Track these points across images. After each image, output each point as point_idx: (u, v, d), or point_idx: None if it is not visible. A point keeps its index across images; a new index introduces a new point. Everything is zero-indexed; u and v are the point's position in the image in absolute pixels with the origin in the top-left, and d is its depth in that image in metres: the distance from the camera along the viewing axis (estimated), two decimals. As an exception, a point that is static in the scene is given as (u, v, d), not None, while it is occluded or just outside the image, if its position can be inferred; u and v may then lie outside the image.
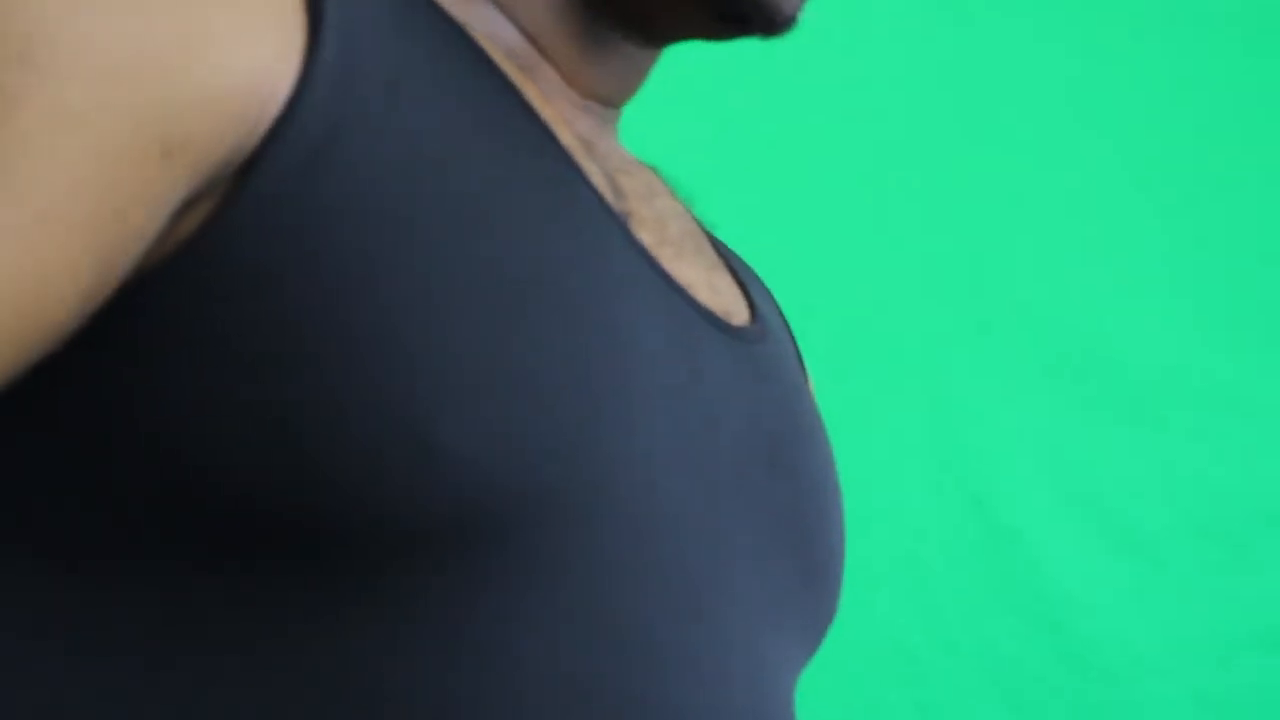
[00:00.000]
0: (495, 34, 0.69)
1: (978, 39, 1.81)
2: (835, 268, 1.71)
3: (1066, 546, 1.75)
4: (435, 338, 0.58)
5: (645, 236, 0.70)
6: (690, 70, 1.66)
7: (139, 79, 0.55)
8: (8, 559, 0.58)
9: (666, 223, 0.74)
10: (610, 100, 0.74)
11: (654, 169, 0.79)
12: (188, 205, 0.57)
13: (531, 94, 0.68)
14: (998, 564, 1.73)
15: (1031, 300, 1.78)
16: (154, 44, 0.55)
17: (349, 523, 0.57)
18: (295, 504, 0.56)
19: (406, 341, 0.57)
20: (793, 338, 0.88)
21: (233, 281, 0.56)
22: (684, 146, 1.62)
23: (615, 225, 0.67)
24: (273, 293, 0.56)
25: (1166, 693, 1.76)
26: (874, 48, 1.77)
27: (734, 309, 0.76)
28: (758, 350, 0.74)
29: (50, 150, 0.54)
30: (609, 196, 0.69)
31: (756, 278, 0.86)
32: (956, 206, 1.77)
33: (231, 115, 0.56)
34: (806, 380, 0.86)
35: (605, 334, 0.63)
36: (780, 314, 0.86)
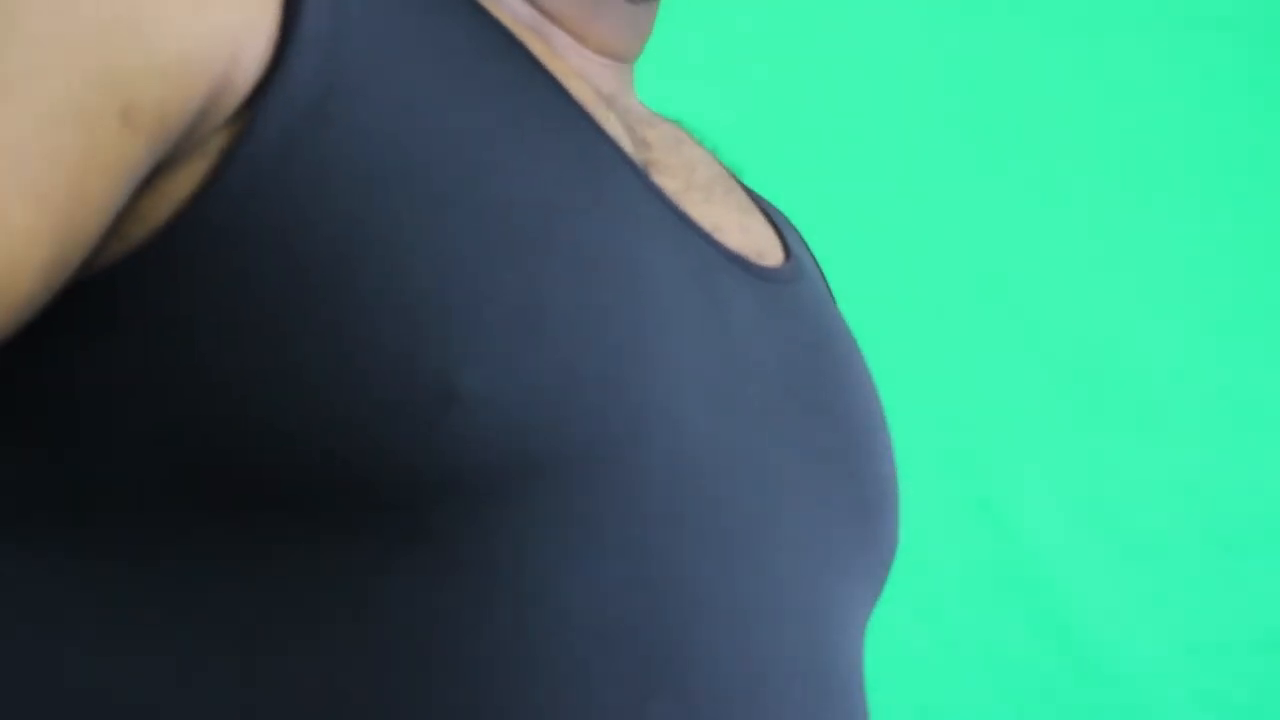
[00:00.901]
0: (499, 1, 0.69)
1: (989, 41, 1.81)
2: (842, 271, 1.71)
3: (1072, 550, 1.75)
4: (450, 284, 0.58)
5: (669, 183, 0.70)
6: (691, 70, 1.66)
7: (87, 42, 0.55)
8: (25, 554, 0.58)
9: (694, 168, 0.74)
10: (621, 55, 0.74)
11: (677, 122, 0.79)
12: (166, 173, 0.57)
13: (539, 51, 0.67)
14: (1003, 567, 1.73)
15: (1038, 305, 1.78)
16: (105, 8, 0.55)
17: (381, 476, 0.56)
18: (325, 462, 0.56)
19: (421, 289, 0.57)
20: (826, 281, 0.88)
21: (236, 245, 0.56)
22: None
23: (633, 172, 0.67)
24: (279, 252, 0.56)
25: (1171, 696, 1.76)
26: (882, 51, 1.77)
27: (767, 250, 0.76)
28: (790, 290, 0.74)
29: None
30: (628, 146, 0.69)
31: (790, 223, 0.86)
32: (965, 211, 1.77)
33: (195, 80, 0.56)
34: (842, 319, 0.84)
35: (623, 277, 0.63)
36: (813, 257, 0.86)
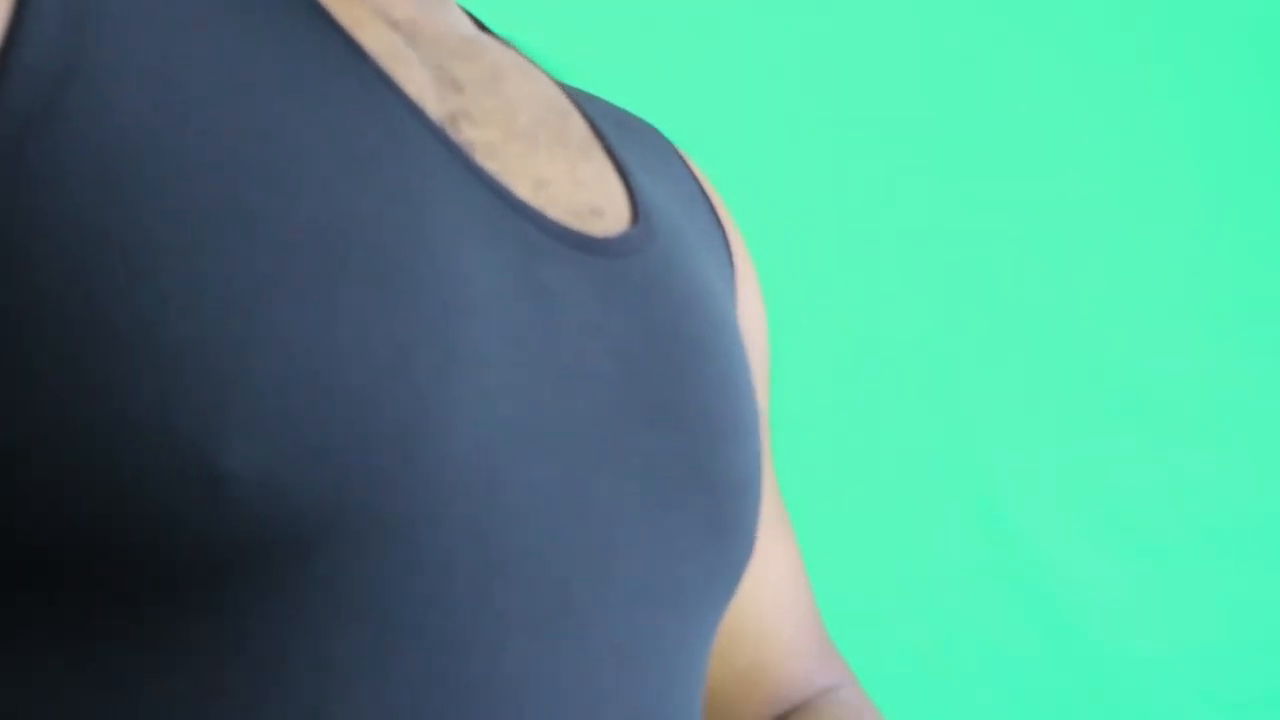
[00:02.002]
0: None
1: (988, 40, 1.81)
2: (843, 273, 1.71)
3: (1074, 551, 1.75)
4: (211, 330, 0.47)
5: (482, 135, 0.60)
6: (692, 70, 1.66)
7: None
8: None
9: (516, 111, 0.63)
10: None
11: (509, 43, 0.69)
12: None
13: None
14: (1005, 568, 1.73)
15: (1038, 306, 1.78)
16: None
17: (138, 554, 0.47)
18: (69, 537, 0.47)
19: (176, 335, 0.47)
20: (716, 212, 0.76)
21: None
22: (688, 146, 1.62)
23: (434, 144, 0.56)
24: (13, 278, 0.46)
25: (1171, 696, 1.76)
26: (879, 49, 1.76)
27: (607, 205, 0.65)
28: (632, 264, 0.63)
29: None
30: (430, 100, 0.59)
31: (661, 145, 0.75)
32: (966, 212, 1.77)
33: None
34: (716, 286, 0.71)
35: (426, 298, 0.52)
36: (697, 197, 0.74)
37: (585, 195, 0.64)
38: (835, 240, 1.72)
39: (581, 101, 0.71)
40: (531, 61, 0.70)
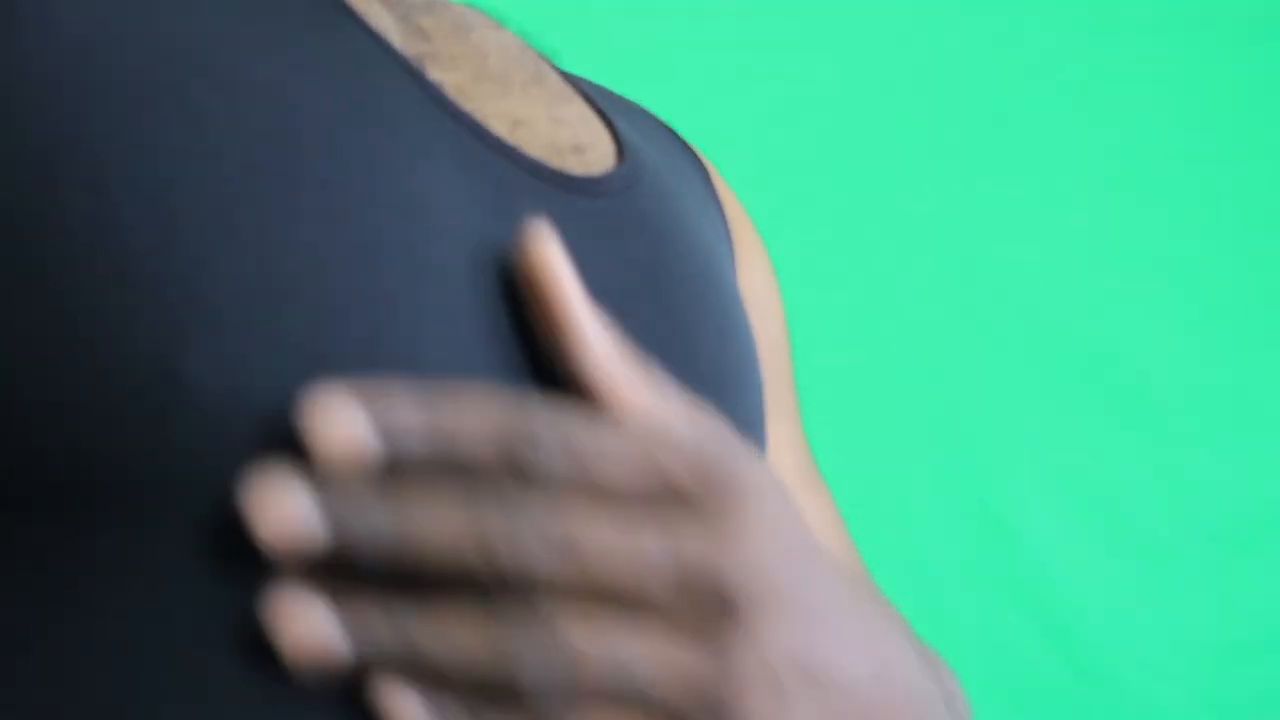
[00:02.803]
0: None
1: (986, 37, 1.81)
2: (840, 269, 1.71)
3: (1071, 549, 1.75)
4: (172, 240, 0.47)
5: (451, 77, 0.60)
6: (693, 69, 1.66)
7: None
8: None
9: (486, 56, 0.63)
10: None
11: (472, 7, 0.69)
12: None
13: None
14: (1002, 566, 1.72)
15: (1037, 303, 1.78)
16: None
17: (101, 474, 0.47)
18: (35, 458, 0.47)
19: (132, 243, 0.47)
20: (705, 171, 0.75)
21: None
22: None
23: (406, 76, 0.56)
24: None
25: (1171, 696, 1.76)
26: (877, 46, 1.76)
27: (590, 144, 0.64)
28: (616, 203, 0.62)
29: None
30: (396, 39, 0.58)
31: (640, 114, 0.74)
32: (962, 208, 1.77)
33: None
34: (712, 240, 0.70)
35: (384, 204, 0.52)
36: (692, 170, 0.74)
37: (567, 132, 0.63)
38: (835, 240, 1.72)
39: (559, 70, 0.71)
40: (495, 21, 0.70)
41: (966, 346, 1.75)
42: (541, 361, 0.55)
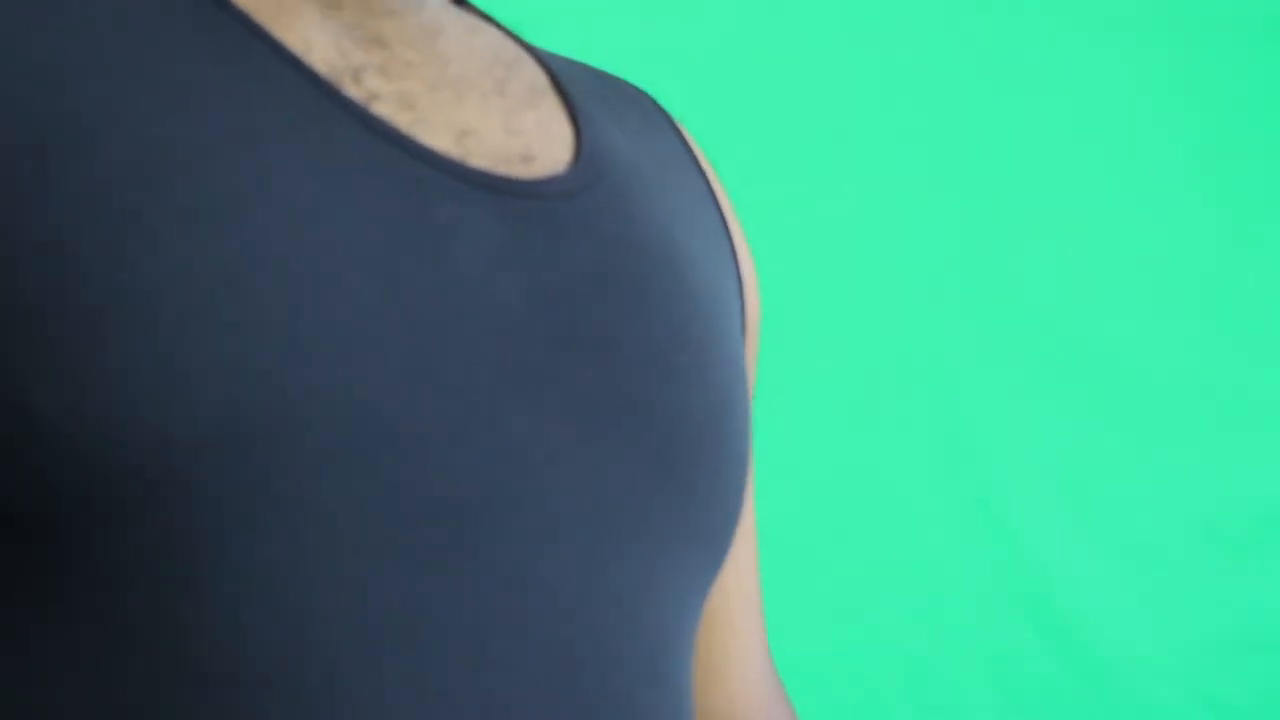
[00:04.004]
0: None
1: (986, 35, 1.81)
2: (841, 269, 1.71)
3: (1070, 549, 1.75)
4: (21, 267, 0.47)
5: (398, 87, 0.59)
6: (693, 69, 1.66)
7: None
8: None
9: (446, 63, 0.62)
10: None
11: (469, 7, 0.68)
12: None
13: None
14: (1001, 566, 1.73)
15: (1036, 304, 1.78)
16: None
17: None
18: None
19: None
20: (711, 193, 0.73)
21: None
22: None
23: (306, 91, 0.55)
24: None
25: (1170, 696, 1.76)
26: (878, 43, 1.76)
27: (541, 151, 0.62)
28: (566, 205, 0.61)
29: None
30: (321, 53, 0.57)
31: (635, 108, 0.73)
32: (963, 208, 1.77)
33: None
34: (686, 244, 0.68)
35: (252, 226, 0.50)
36: (685, 165, 0.73)
37: (518, 142, 0.62)
38: (834, 240, 1.72)
39: (551, 61, 0.70)
40: (493, 23, 0.69)
41: (967, 347, 1.75)
42: (462, 362, 0.54)
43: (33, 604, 0.48)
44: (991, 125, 1.79)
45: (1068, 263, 1.80)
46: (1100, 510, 1.77)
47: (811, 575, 1.65)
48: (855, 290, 1.72)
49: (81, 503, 0.47)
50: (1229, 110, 1.87)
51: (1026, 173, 1.80)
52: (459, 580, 0.52)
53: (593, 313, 0.59)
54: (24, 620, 0.48)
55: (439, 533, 0.52)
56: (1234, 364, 1.83)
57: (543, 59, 0.69)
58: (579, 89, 0.68)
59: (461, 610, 0.52)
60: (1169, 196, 1.85)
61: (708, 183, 0.73)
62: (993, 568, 1.72)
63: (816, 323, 1.69)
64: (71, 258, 0.47)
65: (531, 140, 0.62)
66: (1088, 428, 1.78)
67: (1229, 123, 1.87)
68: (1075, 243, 1.81)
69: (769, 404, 1.63)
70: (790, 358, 1.66)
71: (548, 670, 0.54)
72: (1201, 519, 1.80)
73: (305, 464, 0.50)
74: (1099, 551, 1.76)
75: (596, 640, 0.56)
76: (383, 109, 0.57)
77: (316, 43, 0.57)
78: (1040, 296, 1.79)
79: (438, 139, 0.59)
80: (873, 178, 1.74)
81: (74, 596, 0.48)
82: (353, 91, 0.57)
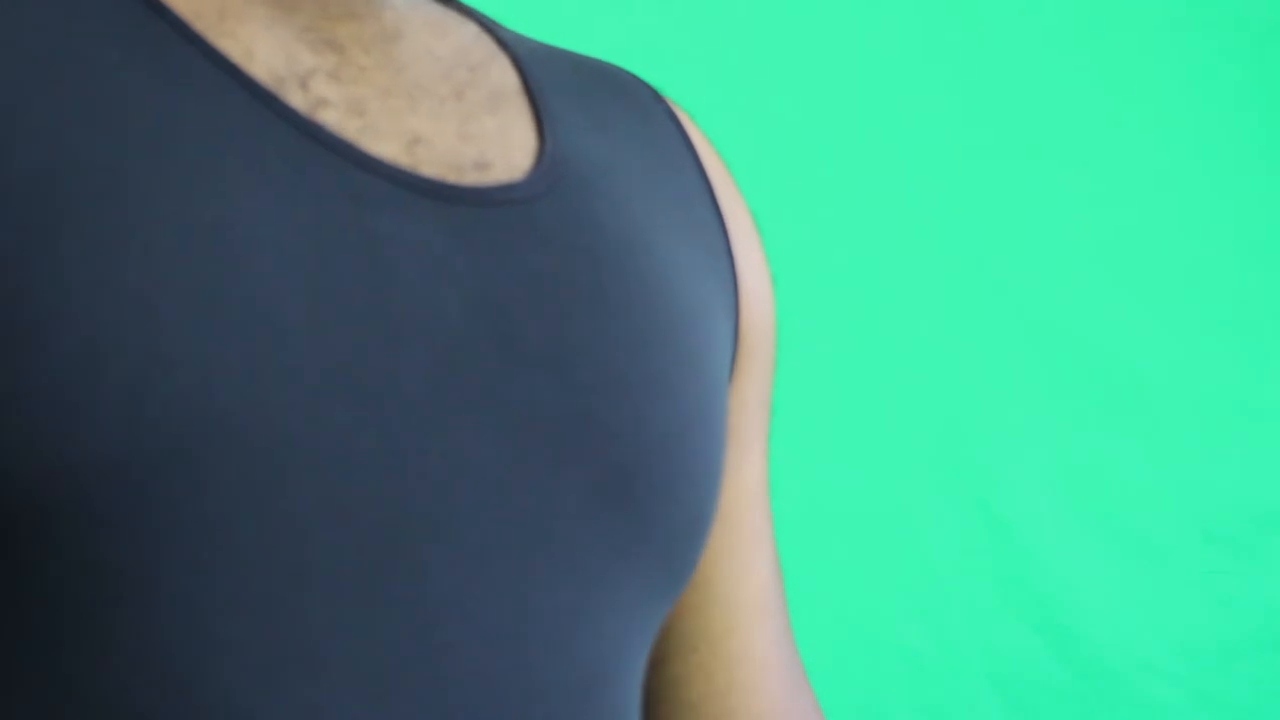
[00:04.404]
0: None
1: (985, 37, 1.80)
2: (842, 271, 1.71)
3: (1070, 550, 1.75)
4: None
5: (347, 92, 0.57)
6: (693, 68, 1.66)
7: None
8: None
9: (403, 69, 0.60)
10: None
11: (452, 3, 0.66)
12: None
13: None
14: (1001, 567, 1.72)
15: (1036, 305, 1.78)
16: None
17: None
18: None
19: None
20: (707, 186, 0.71)
21: None
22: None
23: (240, 102, 0.53)
24: None
25: (1170, 696, 1.76)
26: (879, 46, 1.76)
27: (498, 158, 0.60)
28: (517, 212, 0.58)
29: None
30: (265, 57, 0.56)
31: (620, 98, 0.70)
32: (963, 210, 1.77)
33: None
34: (659, 243, 0.65)
35: (168, 242, 0.49)
36: (679, 158, 0.70)
37: (472, 149, 0.59)
38: (834, 240, 1.72)
39: (529, 57, 0.67)
40: (473, 19, 0.67)
41: (967, 347, 1.75)
42: (396, 377, 0.53)
43: None
44: (993, 126, 1.79)
45: (1067, 263, 1.80)
46: (1100, 511, 1.77)
47: (812, 576, 1.65)
48: (855, 291, 1.72)
49: (30, 523, 0.47)
50: (1230, 111, 1.87)
51: (1027, 174, 1.80)
52: (371, 608, 0.51)
53: (541, 325, 0.57)
54: None
55: (354, 558, 0.51)
56: (1233, 364, 1.83)
57: (518, 57, 0.66)
58: (553, 88, 0.66)
59: (372, 639, 0.51)
60: (1168, 197, 1.85)
61: (706, 180, 0.71)
62: (993, 568, 1.72)
63: (816, 323, 1.69)
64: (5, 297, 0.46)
65: (487, 147, 0.60)
66: (1088, 428, 1.78)
67: (1230, 124, 1.87)
68: (1075, 243, 1.81)
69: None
70: (790, 358, 1.66)
71: (466, 700, 0.53)
72: (1201, 519, 1.80)
73: (209, 488, 0.48)
74: (1099, 552, 1.76)
75: (521, 670, 0.54)
76: (328, 116, 0.56)
77: (260, 49, 0.56)
78: (1040, 297, 1.79)
79: (386, 147, 0.57)
80: (873, 179, 1.74)
81: None
82: (297, 99, 0.55)
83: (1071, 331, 1.79)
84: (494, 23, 0.68)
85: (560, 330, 0.57)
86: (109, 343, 0.47)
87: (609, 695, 0.58)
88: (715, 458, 0.63)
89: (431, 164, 0.58)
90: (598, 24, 1.62)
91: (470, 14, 0.67)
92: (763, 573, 0.73)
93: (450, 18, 0.65)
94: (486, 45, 0.66)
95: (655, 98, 0.72)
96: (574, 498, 0.56)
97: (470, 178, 0.58)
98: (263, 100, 0.54)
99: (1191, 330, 1.83)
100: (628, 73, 0.72)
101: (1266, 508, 1.82)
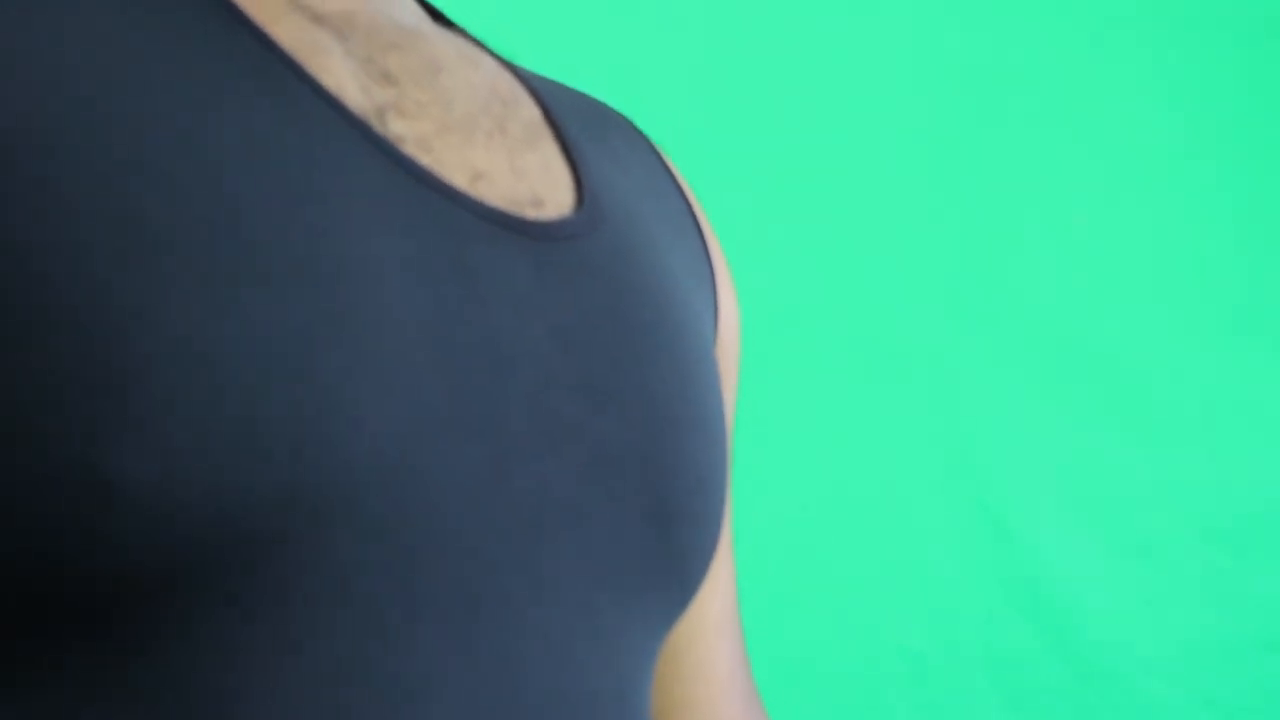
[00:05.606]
0: None
1: (983, 35, 1.81)
2: (841, 270, 1.71)
3: (1071, 550, 1.75)
4: (97, 333, 0.46)
5: (414, 128, 0.58)
6: (695, 69, 1.66)
7: None
8: None
9: (452, 103, 0.61)
10: None
11: (462, 32, 0.67)
12: None
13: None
14: (1002, 567, 1.73)
15: (1036, 304, 1.78)
16: None
17: (44, 584, 0.46)
18: None
19: (59, 342, 0.45)
20: (694, 219, 0.72)
21: None
22: (688, 146, 1.61)
23: (348, 135, 0.54)
24: None
25: (1171, 696, 1.76)
26: (877, 44, 1.77)
27: (549, 194, 0.62)
28: (576, 247, 0.60)
29: None
30: (354, 92, 0.56)
31: (619, 131, 0.72)
32: (963, 208, 1.77)
33: None
34: (679, 280, 0.67)
35: (318, 287, 0.50)
36: (670, 193, 0.72)
37: (525, 185, 0.61)
38: (834, 241, 1.72)
39: (542, 90, 0.69)
40: (485, 50, 0.68)
41: (967, 347, 1.75)
42: (500, 411, 0.54)
43: (69, 687, 0.47)
44: (994, 127, 1.79)
45: (1067, 264, 1.80)
46: (1100, 510, 1.77)
47: (812, 576, 1.65)
48: (855, 292, 1.72)
49: (161, 572, 0.46)
50: (1230, 111, 1.87)
51: (1027, 174, 1.80)
52: (467, 638, 0.53)
53: (606, 360, 0.59)
54: (58, 707, 0.47)
55: (459, 589, 0.53)
56: (1233, 364, 1.83)
57: (535, 90, 0.68)
58: (571, 123, 0.67)
59: (472, 667, 0.53)
60: (1168, 197, 1.85)
61: (689, 206, 0.73)
62: (993, 568, 1.72)
63: (817, 324, 1.69)
64: (151, 322, 0.46)
65: (536, 182, 0.62)
66: (1087, 428, 1.78)
67: (1230, 124, 1.87)
68: (1075, 243, 1.81)
69: (770, 405, 1.63)
70: (791, 359, 1.66)
71: (539, 707, 0.55)
72: (1202, 519, 1.80)
73: (359, 523, 0.50)
74: (1099, 551, 1.76)
75: (579, 677, 0.56)
76: (407, 150, 0.57)
77: (347, 83, 0.56)
78: (1039, 298, 1.79)
79: (456, 182, 0.58)
80: (874, 179, 1.74)
81: (133, 672, 0.48)
82: (383, 132, 0.56)
83: (1072, 331, 1.79)
84: (495, 52, 0.69)
85: (621, 366, 0.59)
86: (277, 379, 0.48)
87: (636, 695, 0.61)
88: (728, 487, 0.65)
89: (495, 199, 0.59)
90: (589, 27, 1.62)
91: (479, 42, 0.68)
92: (726, 591, 0.74)
93: (471, 47, 0.66)
94: (508, 78, 0.67)
95: (636, 130, 0.74)
96: (625, 527, 0.58)
97: (530, 213, 0.60)
98: (364, 135, 0.55)
99: (1191, 330, 1.83)
100: (609, 106, 0.74)
101: (1266, 508, 1.82)
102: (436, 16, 0.68)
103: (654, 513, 0.59)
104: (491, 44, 0.71)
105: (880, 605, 1.68)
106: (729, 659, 0.75)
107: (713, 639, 0.74)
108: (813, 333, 1.69)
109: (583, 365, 0.58)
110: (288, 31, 0.56)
